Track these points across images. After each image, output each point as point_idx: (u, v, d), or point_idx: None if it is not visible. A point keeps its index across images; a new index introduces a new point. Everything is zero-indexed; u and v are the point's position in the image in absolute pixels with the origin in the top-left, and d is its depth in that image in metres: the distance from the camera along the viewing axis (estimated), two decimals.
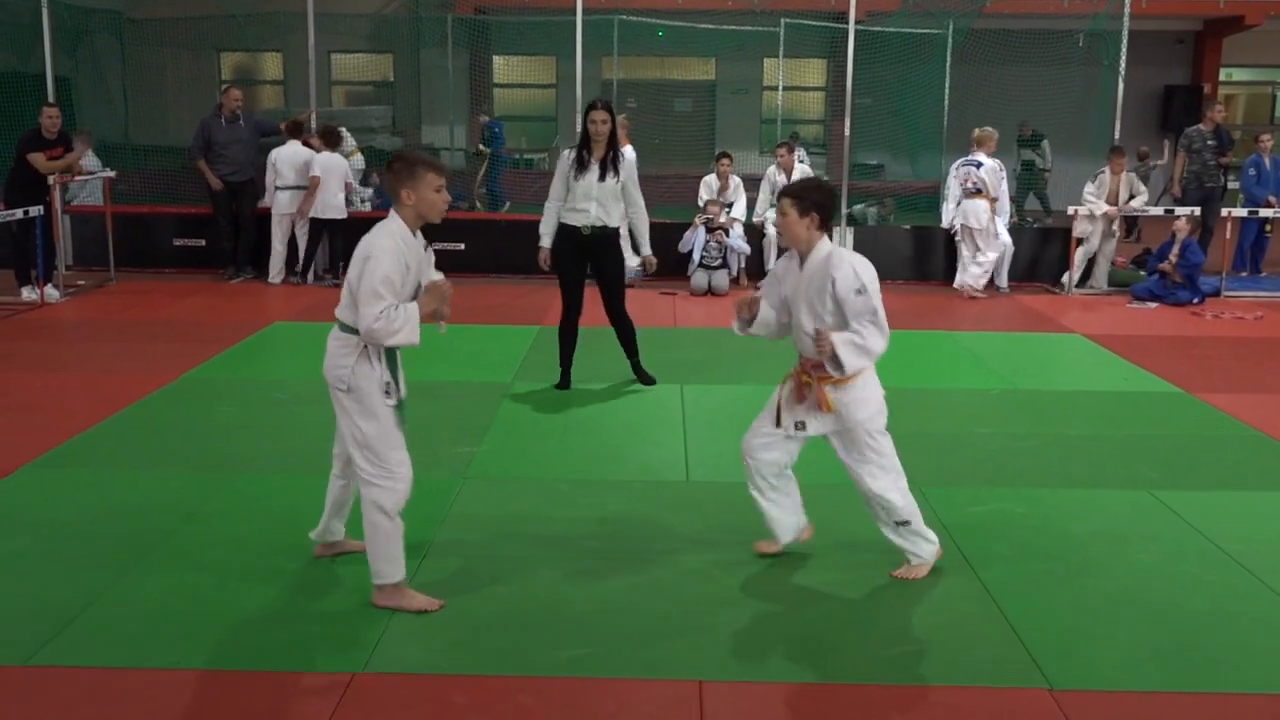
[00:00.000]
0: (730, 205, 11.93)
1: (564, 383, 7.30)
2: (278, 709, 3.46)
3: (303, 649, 3.83)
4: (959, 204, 11.55)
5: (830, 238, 4.42)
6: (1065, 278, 11.73)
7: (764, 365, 8.13)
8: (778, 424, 4.47)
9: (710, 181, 12.09)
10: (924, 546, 4.49)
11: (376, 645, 3.84)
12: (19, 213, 9.93)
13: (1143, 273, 11.73)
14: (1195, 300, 10.91)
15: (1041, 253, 12.26)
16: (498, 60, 21.86)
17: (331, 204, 11.32)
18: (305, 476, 5.53)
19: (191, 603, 4.17)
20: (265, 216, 11.67)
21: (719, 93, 22.39)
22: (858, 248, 12.09)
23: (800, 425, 4.42)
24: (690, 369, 7.88)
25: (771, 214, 11.93)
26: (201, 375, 7.57)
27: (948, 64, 17.84)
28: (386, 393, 4.01)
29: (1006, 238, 11.71)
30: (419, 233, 4.09)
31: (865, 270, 4.28)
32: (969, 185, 11.43)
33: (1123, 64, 12.22)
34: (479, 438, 6.26)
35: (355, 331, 3.95)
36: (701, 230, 11.40)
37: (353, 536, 4.45)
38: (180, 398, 7.03)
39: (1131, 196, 11.64)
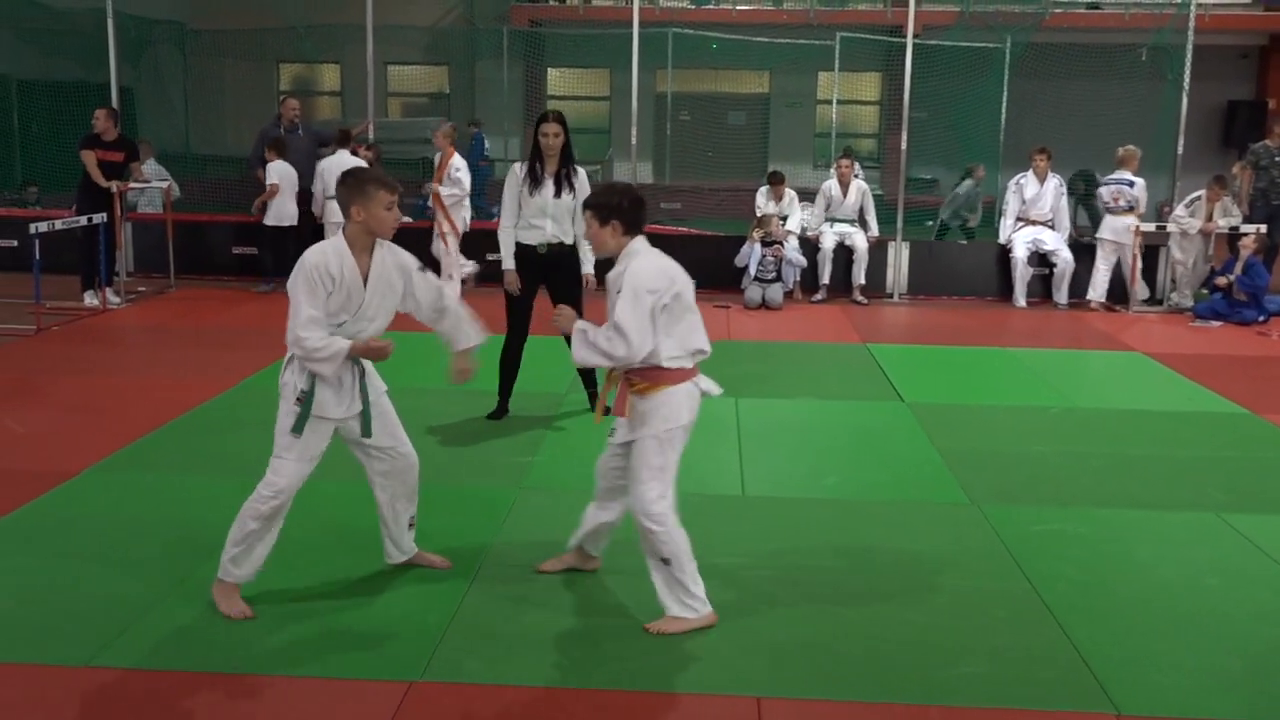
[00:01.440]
0: (785, 218, 11.88)
1: (500, 411, 6.87)
2: (335, 716, 3.46)
3: (360, 656, 3.83)
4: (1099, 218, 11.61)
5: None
6: (1170, 293, 11.65)
7: (820, 380, 8.11)
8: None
9: (765, 194, 12.05)
10: (685, 600, 4.03)
11: (433, 654, 3.83)
12: (83, 220, 10.09)
13: (1205, 290, 11.54)
14: (1260, 319, 10.69)
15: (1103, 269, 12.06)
16: (552, 72, 21.97)
17: (286, 211, 11.38)
18: (361, 484, 5.54)
19: (250, 607, 4.18)
20: (319, 226, 11.78)
21: (773, 106, 22.35)
22: (914, 263, 12.04)
23: (613, 431, 4.23)
24: (745, 382, 7.82)
25: (826, 228, 11.89)
26: (260, 383, 7.62)
27: (1005, 78, 17.69)
28: (299, 401, 4.08)
29: (1068, 254, 11.58)
30: (391, 249, 4.19)
31: (640, 276, 3.96)
32: (1120, 202, 11.54)
33: (1186, 79, 12.04)
34: (534, 447, 6.26)
35: None
36: (757, 244, 11.36)
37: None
38: (238, 404, 7.09)
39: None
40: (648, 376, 4.03)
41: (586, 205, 4.16)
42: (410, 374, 8.02)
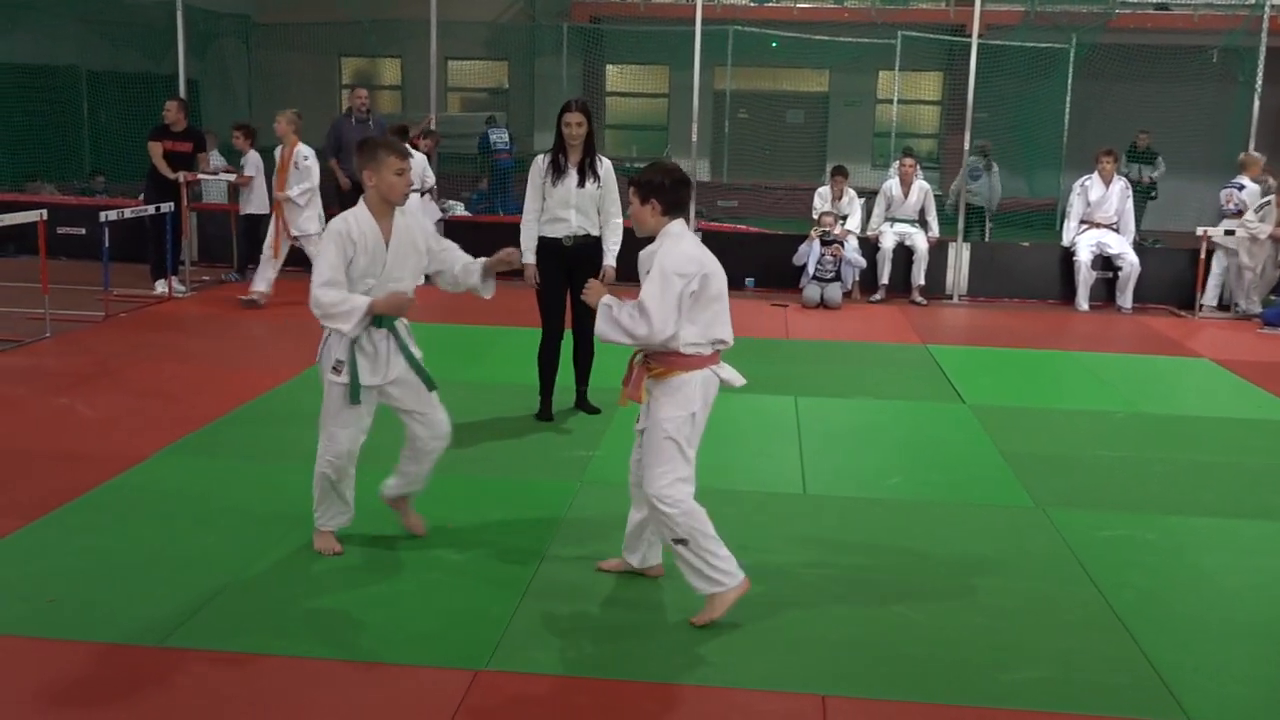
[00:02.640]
0: (845, 217, 11.82)
1: (545, 413, 6.73)
2: (403, 702, 3.49)
3: (428, 643, 3.86)
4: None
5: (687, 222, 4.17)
6: (1243, 300, 11.46)
7: (880, 380, 8.05)
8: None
9: (824, 193, 12.00)
10: (711, 575, 3.99)
11: (499, 643, 3.86)
12: (150, 209, 10.26)
13: (1273, 296, 11.34)
14: None
15: (1165, 274, 11.89)
16: (611, 69, 22.00)
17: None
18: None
19: (318, 592, 4.24)
20: None
21: (832, 105, 22.23)
22: (974, 265, 11.93)
23: (639, 419, 4.21)
24: (804, 382, 7.80)
25: (886, 227, 11.82)
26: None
27: (1069, 79, 17.46)
28: (335, 370, 4.46)
29: (1134, 258, 11.42)
30: (411, 214, 4.56)
31: (672, 258, 3.94)
32: (1229, 206, 11.47)
33: (1259, 81, 11.82)
34: (595, 442, 6.28)
35: None
36: (816, 243, 11.31)
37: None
38: (303, 392, 7.15)
39: None
40: (664, 361, 4.02)
41: (632, 183, 4.16)
42: (476, 370, 8.10)
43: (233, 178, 12.36)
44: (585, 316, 6.45)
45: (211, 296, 10.74)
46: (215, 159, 13.80)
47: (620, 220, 6.49)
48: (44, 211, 8.87)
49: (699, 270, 3.95)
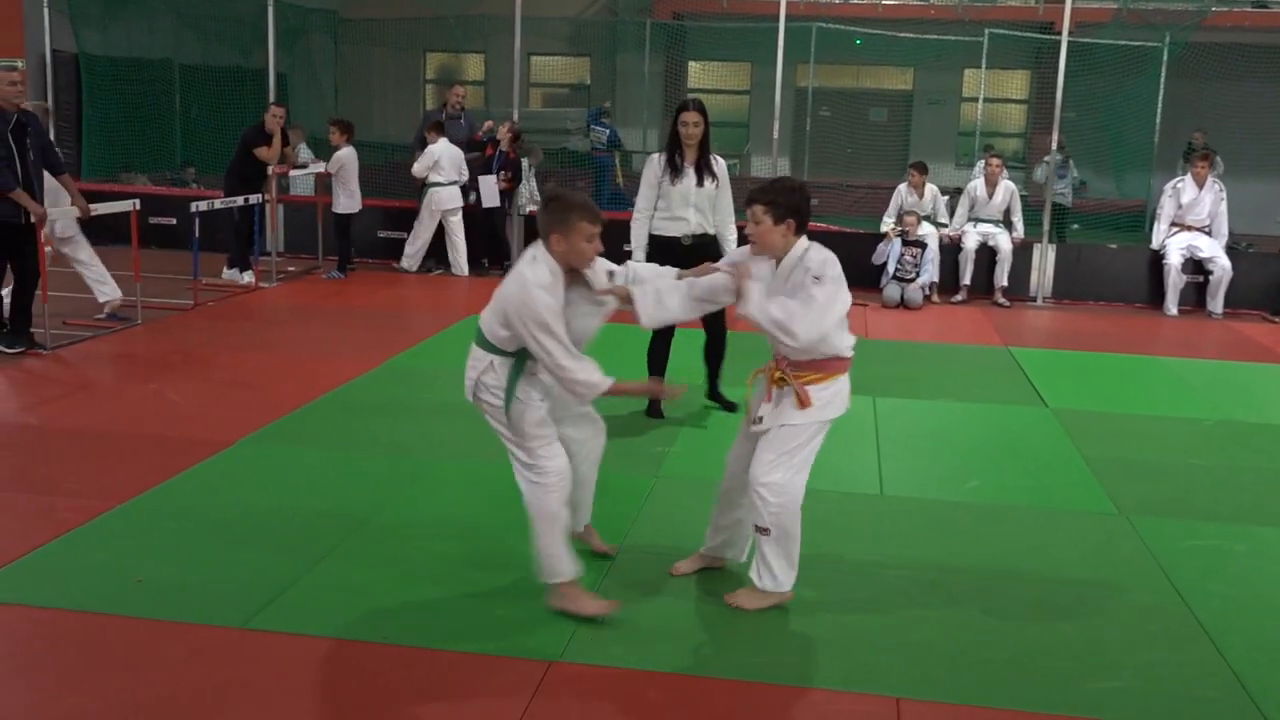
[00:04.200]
0: (926, 217, 11.67)
1: (655, 409, 6.70)
2: (476, 691, 3.53)
3: (501, 634, 3.89)
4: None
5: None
6: None
7: (960, 381, 7.94)
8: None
9: (903, 190, 11.86)
10: (765, 574, 4.06)
11: (572, 636, 3.87)
12: (239, 200, 10.46)
13: None
14: None
15: (1258, 278, 11.58)
16: (693, 65, 21.96)
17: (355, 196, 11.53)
18: (503, 465, 5.63)
19: (393, 580, 4.29)
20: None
21: (915, 103, 21.97)
22: (1059, 267, 11.73)
23: (758, 420, 4.10)
24: (884, 382, 7.71)
25: (969, 227, 11.65)
26: (403, 362, 7.81)
27: (1162, 78, 17.06)
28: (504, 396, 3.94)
29: (1226, 261, 11.14)
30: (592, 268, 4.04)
31: (836, 267, 3.96)
32: None
33: None
34: (671, 438, 6.28)
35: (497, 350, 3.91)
36: (897, 242, 11.19)
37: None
38: (383, 383, 7.27)
39: None
40: (824, 367, 4.03)
41: (758, 199, 4.00)
42: None
43: (321, 169, 12.59)
44: (723, 315, 6.34)
45: (297, 287, 10.93)
46: (304, 153, 14.05)
47: (734, 221, 6.49)
48: (137, 201, 9.09)
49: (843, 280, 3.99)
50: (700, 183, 6.44)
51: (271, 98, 12.09)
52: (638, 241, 6.52)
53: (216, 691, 3.47)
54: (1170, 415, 7.27)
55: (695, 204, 6.45)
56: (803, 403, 4.00)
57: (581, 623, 3.95)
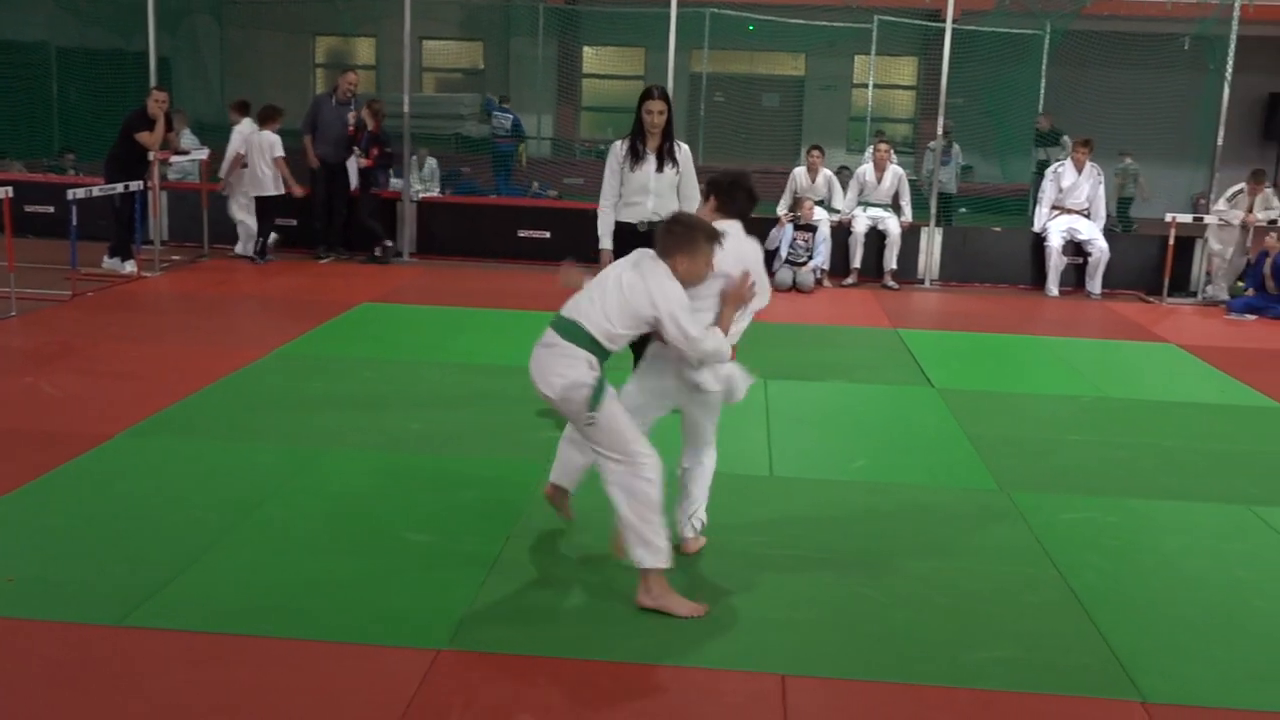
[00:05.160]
0: (821, 202, 11.82)
1: None
2: (364, 683, 3.49)
3: (388, 623, 3.86)
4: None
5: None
6: (1205, 286, 11.55)
7: (850, 363, 8.08)
8: None
9: (799, 175, 12.00)
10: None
11: (461, 622, 3.86)
12: (119, 187, 10.16)
13: (1241, 284, 11.44)
14: None
15: (1134, 260, 11.97)
16: (587, 50, 21.91)
17: (260, 180, 11.35)
18: (392, 454, 5.60)
19: (279, 573, 4.22)
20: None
21: (808, 89, 22.22)
22: (946, 250, 11.98)
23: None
24: (775, 365, 7.80)
25: (859, 211, 11.83)
26: (291, 351, 7.68)
27: (1044, 65, 17.49)
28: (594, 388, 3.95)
29: (1103, 244, 11.50)
30: None
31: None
32: None
33: (1229, 69, 11.88)
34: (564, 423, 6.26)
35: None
36: (789, 227, 11.32)
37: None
38: (271, 373, 7.13)
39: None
40: None
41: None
42: (454, 350, 8.08)
43: (204, 155, 12.30)
44: None
45: (181, 276, 10.67)
46: (187, 138, 13.69)
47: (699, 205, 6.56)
48: (9, 189, 8.77)
49: None
50: (660, 169, 6.46)
51: (153, 82, 11.73)
52: (603, 229, 6.52)
53: (91, 691, 3.37)
54: (1050, 393, 7.48)
55: (654, 190, 6.47)
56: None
57: (469, 609, 3.94)
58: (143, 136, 10.47)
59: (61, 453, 5.36)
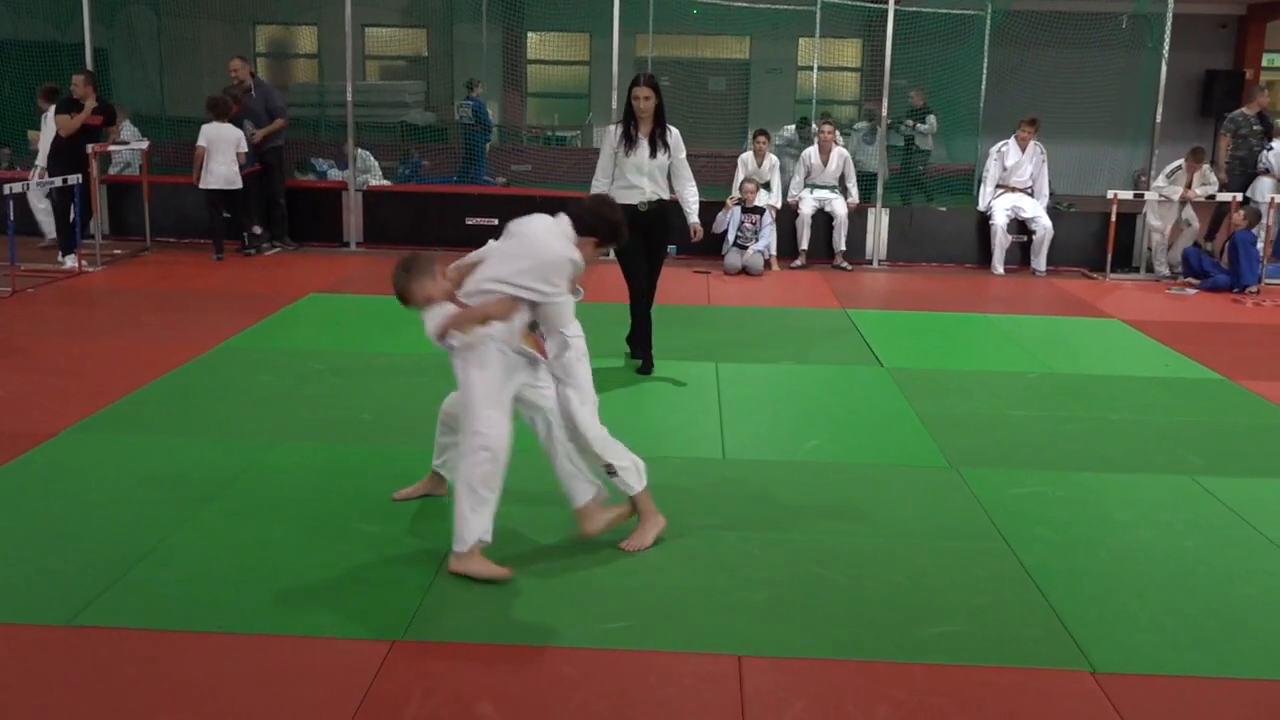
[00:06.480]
0: (766, 184, 11.86)
1: (646, 367, 7.12)
2: (319, 675, 3.46)
3: (341, 615, 3.83)
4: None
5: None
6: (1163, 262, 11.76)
7: (800, 345, 8.12)
8: None
9: (746, 160, 12.03)
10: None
11: (415, 613, 3.84)
12: (57, 180, 9.98)
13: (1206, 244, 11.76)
14: (1236, 289, 10.76)
15: (1077, 237, 12.12)
16: (532, 36, 21.79)
17: (220, 174, 11.14)
18: (343, 446, 5.55)
19: (230, 568, 4.18)
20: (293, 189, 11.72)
21: (753, 72, 22.25)
22: (893, 230, 12.07)
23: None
24: (725, 348, 7.85)
25: (806, 194, 11.88)
26: (238, 344, 7.59)
27: (986, 46, 17.63)
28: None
29: (1047, 221, 11.63)
30: None
31: None
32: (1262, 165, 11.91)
33: (1166, 47, 12.05)
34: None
35: None
36: (736, 210, 11.35)
37: None
38: (217, 366, 7.05)
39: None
40: None
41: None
42: (396, 341, 8.02)
43: (144, 146, 12.09)
44: (653, 275, 7.14)
45: (124, 270, 10.51)
46: (127, 130, 13.46)
47: (694, 183, 7.17)
48: None
49: None
50: (654, 154, 6.85)
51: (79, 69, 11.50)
52: None
53: (43, 692, 3.33)
54: (997, 370, 7.57)
55: (648, 173, 6.87)
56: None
57: (424, 599, 3.93)
58: (59, 119, 10.29)
59: (5, 451, 5.27)
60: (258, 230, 11.57)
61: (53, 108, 11.02)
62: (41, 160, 11.19)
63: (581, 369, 4.43)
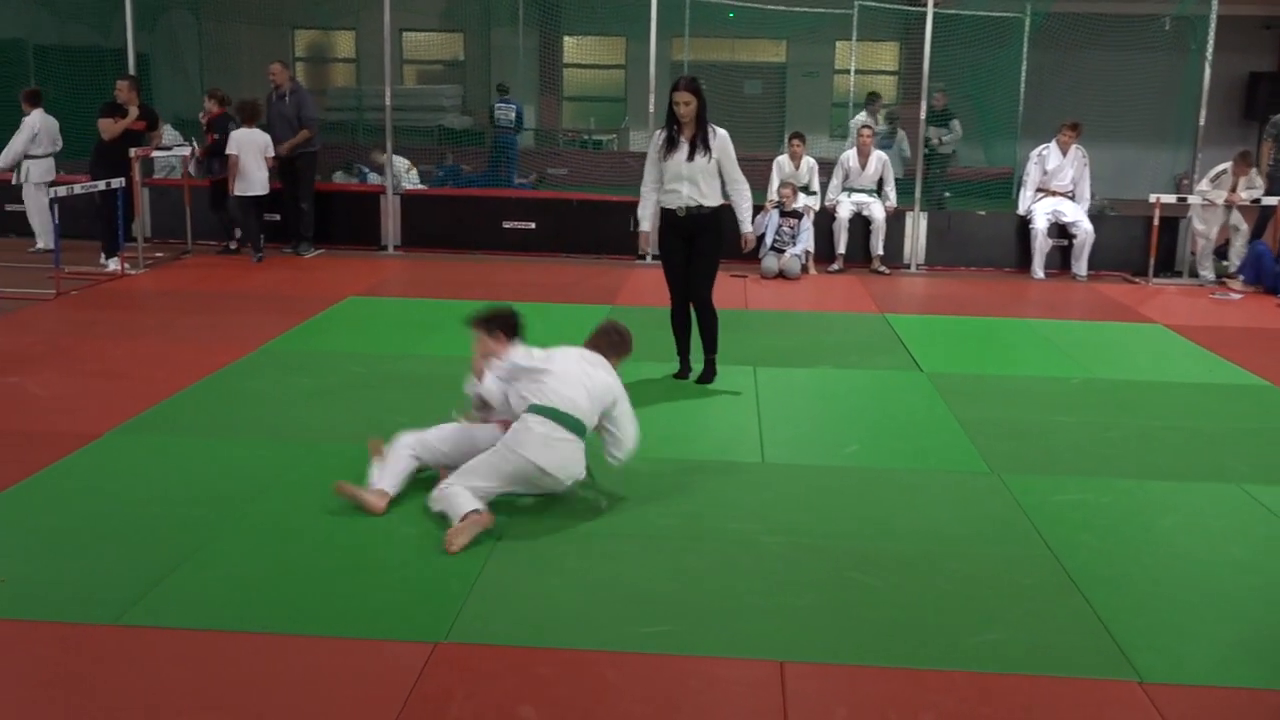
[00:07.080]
0: (804, 188, 11.82)
1: (683, 371, 7.09)
2: (362, 676, 3.48)
3: (386, 617, 3.85)
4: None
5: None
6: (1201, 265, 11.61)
7: (839, 349, 8.08)
8: None
9: (782, 163, 11.99)
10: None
11: (458, 615, 3.85)
12: (100, 185, 10.09)
13: (1225, 262, 11.54)
14: None
15: (1119, 241, 12.00)
16: (568, 40, 21.85)
17: (253, 179, 11.18)
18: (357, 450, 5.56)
19: (274, 568, 4.21)
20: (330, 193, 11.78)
21: (789, 75, 22.19)
22: (931, 234, 12.00)
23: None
24: (763, 352, 7.82)
25: (843, 197, 11.83)
26: (279, 347, 7.64)
27: (1025, 48, 17.53)
28: None
29: (1088, 225, 11.53)
30: None
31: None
32: None
33: (1209, 49, 11.91)
34: None
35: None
36: (774, 213, 11.32)
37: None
38: (259, 369, 7.10)
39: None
40: None
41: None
42: (430, 344, 8.04)
43: (186, 152, 12.21)
44: (698, 283, 6.95)
45: (166, 273, 10.61)
46: (169, 134, 13.60)
47: (745, 189, 6.95)
48: None
49: None
50: (691, 157, 6.72)
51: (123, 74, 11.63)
52: (643, 213, 6.96)
53: (87, 691, 3.36)
54: (1038, 375, 7.50)
55: (688, 177, 6.76)
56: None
57: (467, 601, 3.93)
58: (102, 123, 10.40)
59: (50, 453, 5.33)
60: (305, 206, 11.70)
61: (36, 111, 11.14)
62: (7, 162, 11.32)
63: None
